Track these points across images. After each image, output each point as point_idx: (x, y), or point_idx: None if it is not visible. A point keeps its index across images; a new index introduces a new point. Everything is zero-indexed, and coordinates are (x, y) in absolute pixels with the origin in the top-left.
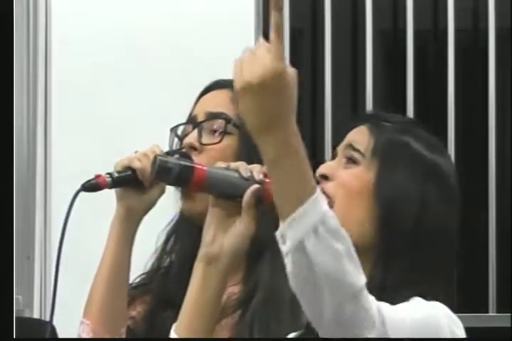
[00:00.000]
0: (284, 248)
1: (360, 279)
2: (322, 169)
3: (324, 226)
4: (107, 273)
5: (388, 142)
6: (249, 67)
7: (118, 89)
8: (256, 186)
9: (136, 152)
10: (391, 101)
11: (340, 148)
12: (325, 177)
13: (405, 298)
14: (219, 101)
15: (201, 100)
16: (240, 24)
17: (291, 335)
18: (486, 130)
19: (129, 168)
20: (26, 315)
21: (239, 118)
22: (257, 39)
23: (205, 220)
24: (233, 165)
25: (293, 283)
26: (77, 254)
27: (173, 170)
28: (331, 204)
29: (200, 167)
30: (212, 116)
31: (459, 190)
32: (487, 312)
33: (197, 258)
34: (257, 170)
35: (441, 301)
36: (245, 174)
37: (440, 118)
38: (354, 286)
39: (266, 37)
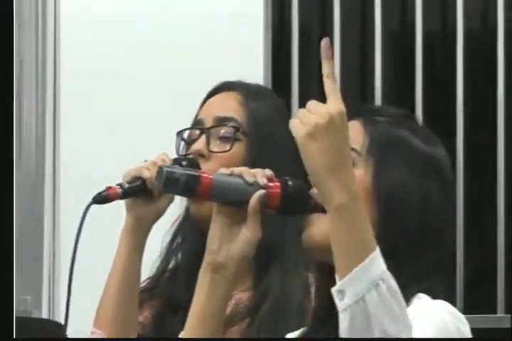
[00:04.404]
0: (342, 304)
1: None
2: None
3: (385, 284)
4: (117, 283)
5: (384, 138)
6: (315, 110)
7: (127, 92)
8: (261, 191)
9: (145, 161)
10: (400, 102)
11: None
12: None
13: (409, 295)
14: (227, 105)
15: (208, 103)
16: (248, 24)
17: (296, 333)
18: (494, 130)
19: (138, 177)
20: (35, 315)
21: (248, 122)
22: (265, 38)
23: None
24: (236, 170)
25: (346, 335)
26: (87, 255)
27: (180, 181)
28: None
29: (206, 175)
30: (221, 122)
31: (468, 189)
32: (495, 313)
33: (202, 266)
34: (260, 175)
35: (443, 297)
36: (249, 179)
37: (449, 119)
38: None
39: (274, 35)
